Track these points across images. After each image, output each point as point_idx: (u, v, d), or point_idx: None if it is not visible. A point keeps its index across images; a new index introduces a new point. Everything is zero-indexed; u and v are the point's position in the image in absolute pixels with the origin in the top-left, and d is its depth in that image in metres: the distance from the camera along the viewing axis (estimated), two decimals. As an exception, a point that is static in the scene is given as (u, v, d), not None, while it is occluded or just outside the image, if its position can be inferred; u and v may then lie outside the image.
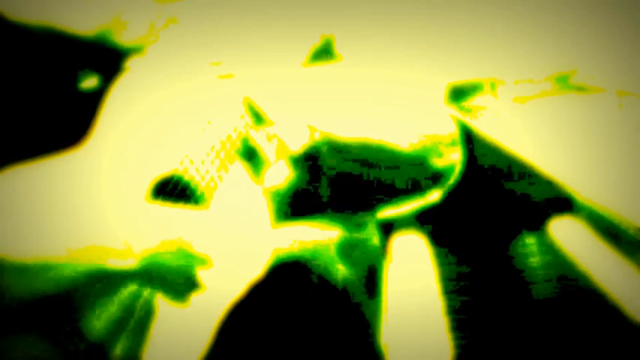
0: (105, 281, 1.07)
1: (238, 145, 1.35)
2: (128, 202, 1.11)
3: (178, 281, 1.13)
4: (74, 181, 1.06)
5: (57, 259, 1.01)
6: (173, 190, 1.21)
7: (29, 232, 1.00)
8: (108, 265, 1.06)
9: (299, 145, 1.49)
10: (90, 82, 1.21)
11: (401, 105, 1.72)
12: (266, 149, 1.39)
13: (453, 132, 1.73)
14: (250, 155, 1.37)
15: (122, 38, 1.19)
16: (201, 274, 1.14)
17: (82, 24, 1.14)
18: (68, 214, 1.04)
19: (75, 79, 1.20)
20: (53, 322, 1.03)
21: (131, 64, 1.23)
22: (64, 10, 1.12)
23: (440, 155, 1.70)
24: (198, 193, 1.26)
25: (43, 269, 1.01)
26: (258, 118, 1.42)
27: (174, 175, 1.22)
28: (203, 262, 1.15)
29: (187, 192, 1.24)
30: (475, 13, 2.04)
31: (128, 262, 1.07)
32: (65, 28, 1.14)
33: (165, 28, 1.24)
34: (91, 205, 1.06)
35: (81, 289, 1.05)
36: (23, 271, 1.00)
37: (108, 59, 1.20)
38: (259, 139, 1.39)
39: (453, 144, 1.72)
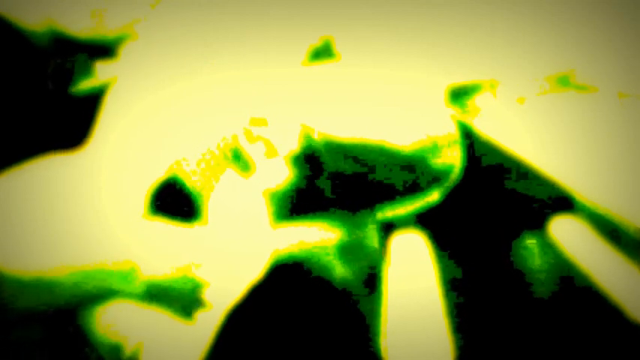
0: (106, 299, 1.07)
1: (229, 154, 1.35)
2: (129, 208, 1.11)
3: (183, 302, 1.13)
4: (74, 185, 1.06)
5: (58, 276, 1.01)
6: (172, 192, 1.21)
7: (27, 242, 1.00)
8: (111, 286, 1.05)
9: (299, 145, 1.49)
10: (91, 82, 1.21)
11: (401, 105, 1.72)
12: (254, 154, 1.39)
13: (453, 132, 1.73)
14: (237, 158, 1.37)
15: (109, 27, 1.19)
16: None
17: (75, 21, 1.14)
18: (68, 222, 1.03)
19: (74, 80, 1.20)
20: (53, 330, 1.03)
21: (130, 64, 1.23)
22: (58, 9, 1.12)
23: (440, 155, 1.70)
24: (197, 193, 1.26)
25: (42, 285, 1.00)
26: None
27: (172, 177, 1.22)
28: (207, 285, 1.14)
29: (186, 193, 1.24)
30: (475, 13, 2.04)
31: (132, 284, 1.07)
32: (62, 29, 1.14)
33: (157, 4, 1.23)
34: (91, 212, 1.06)
35: (81, 305, 1.05)
36: (21, 285, 0.99)
37: (102, 53, 1.20)
38: (247, 144, 1.38)
39: (453, 144, 1.72)
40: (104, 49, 1.18)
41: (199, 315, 1.14)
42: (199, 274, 1.13)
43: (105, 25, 1.16)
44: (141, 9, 1.21)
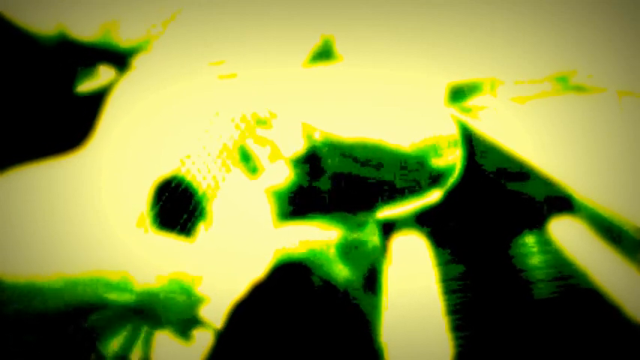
0: (103, 310, 1.07)
1: (235, 152, 1.35)
2: (130, 211, 1.11)
3: (180, 319, 1.13)
4: (74, 187, 1.06)
5: (53, 283, 1.01)
6: (174, 191, 1.21)
7: (25, 246, 1.00)
8: (106, 296, 1.05)
9: (300, 145, 1.49)
10: (93, 84, 1.21)
11: (401, 105, 1.73)
12: (260, 155, 1.39)
13: (453, 132, 1.73)
14: (246, 160, 1.37)
15: (124, 37, 1.19)
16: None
17: (85, 26, 1.14)
18: (68, 225, 1.03)
19: (77, 81, 1.20)
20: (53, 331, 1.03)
21: (133, 64, 1.23)
22: (67, 12, 1.12)
23: (440, 155, 1.70)
24: (199, 193, 1.26)
25: (37, 292, 1.00)
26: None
27: (175, 176, 1.21)
28: (204, 300, 1.14)
29: (188, 193, 1.24)
30: (475, 13, 2.04)
31: (127, 294, 1.07)
32: (68, 32, 1.14)
33: (171, 21, 1.23)
34: (91, 215, 1.06)
35: (77, 313, 1.05)
36: (17, 290, 0.99)
37: (113, 59, 1.20)
38: (254, 145, 1.38)
39: (453, 144, 1.72)
40: (116, 58, 1.18)
41: (202, 311, 1.14)
42: (199, 283, 1.13)
43: (115, 33, 1.16)
44: (150, 22, 1.21)
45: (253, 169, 1.36)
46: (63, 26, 1.13)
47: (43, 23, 1.12)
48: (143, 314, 1.10)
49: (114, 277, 1.06)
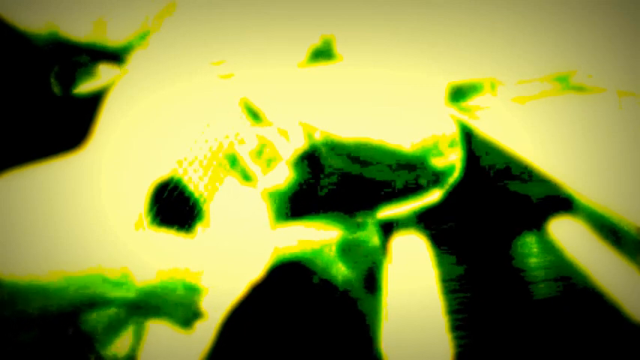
0: (101, 307, 1.07)
1: (226, 161, 1.35)
2: (129, 211, 1.11)
3: (181, 311, 1.13)
4: (72, 188, 1.06)
5: (53, 282, 1.01)
6: (172, 192, 1.21)
7: (24, 245, 1.00)
8: (106, 293, 1.05)
9: (299, 144, 1.49)
10: (91, 84, 1.21)
11: (401, 105, 1.73)
12: (251, 165, 1.39)
13: (453, 132, 1.73)
14: (236, 167, 1.37)
15: (117, 34, 1.19)
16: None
17: (77, 24, 1.14)
18: (67, 225, 1.03)
19: (75, 82, 1.20)
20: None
21: (130, 65, 1.23)
22: (58, 11, 1.12)
23: (440, 155, 1.70)
24: (197, 194, 1.26)
25: (37, 291, 1.00)
26: (255, 116, 1.42)
27: (173, 177, 1.21)
28: (204, 292, 1.14)
29: (186, 194, 1.24)
30: (475, 13, 2.05)
31: (127, 291, 1.07)
32: (62, 32, 1.13)
33: (166, 16, 1.23)
34: (90, 215, 1.06)
35: (77, 312, 1.05)
36: (17, 290, 0.99)
37: (108, 58, 1.20)
38: (245, 153, 1.38)
39: (453, 144, 1.72)
40: (111, 55, 1.18)
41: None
42: (199, 276, 1.13)
43: (110, 31, 1.16)
44: (144, 16, 1.21)
45: (246, 177, 1.36)
46: (54, 25, 1.13)
47: (34, 22, 1.12)
48: (144, 309, 1.10)
49: (114, 274, 1.06)
